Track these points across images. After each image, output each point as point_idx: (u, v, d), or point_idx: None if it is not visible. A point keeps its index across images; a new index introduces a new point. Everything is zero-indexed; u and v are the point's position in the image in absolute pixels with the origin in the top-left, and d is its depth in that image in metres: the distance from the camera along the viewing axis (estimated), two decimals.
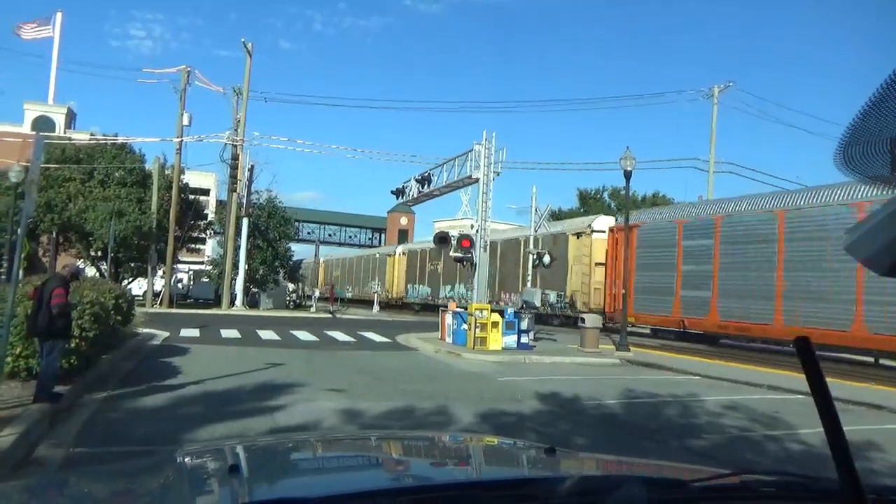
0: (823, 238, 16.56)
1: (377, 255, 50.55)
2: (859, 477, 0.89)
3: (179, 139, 35.00)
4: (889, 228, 0.70)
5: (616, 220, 24.50)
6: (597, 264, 26.40)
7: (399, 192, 25.62)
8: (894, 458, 7.21)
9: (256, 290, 37.85)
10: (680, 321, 21.35)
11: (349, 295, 38.28)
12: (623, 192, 21.94)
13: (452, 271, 34.24)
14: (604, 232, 26.30)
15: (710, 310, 20.12)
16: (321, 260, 49.27)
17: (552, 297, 27.56)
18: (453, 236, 20.33)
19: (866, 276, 14.57)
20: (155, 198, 34.43)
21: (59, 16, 46.45)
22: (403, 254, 45.26)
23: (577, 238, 27.69)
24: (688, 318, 21.01)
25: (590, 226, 27.60)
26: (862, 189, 16.10)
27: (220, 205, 41.57)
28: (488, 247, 20.13)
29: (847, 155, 0.71)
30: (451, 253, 20.56)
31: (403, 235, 68.75)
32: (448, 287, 37.23)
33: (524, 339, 17.81)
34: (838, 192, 16.45)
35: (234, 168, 34.17)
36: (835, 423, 0.90)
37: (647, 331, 23.82)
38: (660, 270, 22.25)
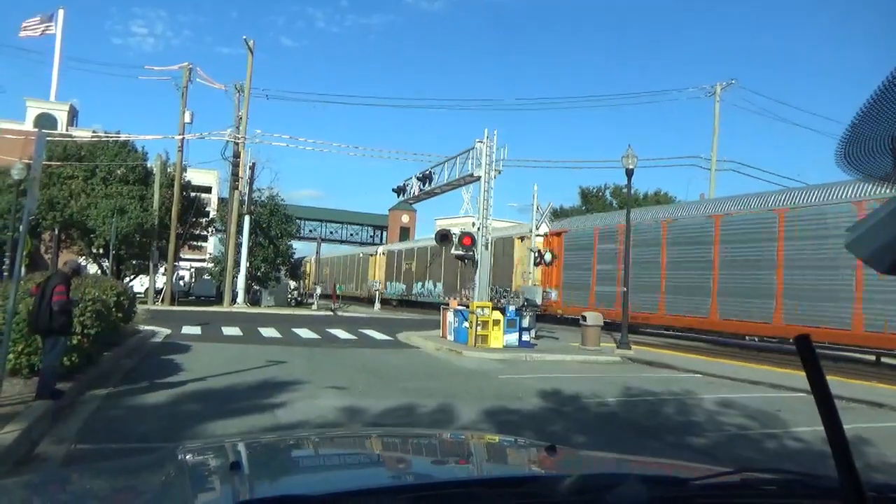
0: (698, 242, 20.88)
1: (361, 255, 54.09)
2: (859, 475, 0.90)
3: (181, 136, 35.02)
4: (889, 227, 0.70)
5: (549, 227, 26.61)
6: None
7: (400, 190, 25.64)
8: (894, 456, 7.21)
9: (258, 287, 37.90)
10: None
11: (319, 290, 40.21)
12: (625, 190, 22.00)
13: (423, 270, 40.22)
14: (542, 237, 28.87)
15: (617, 302, 22.08)
16: (312, 259, 51.10)
17: (501, 291, 30.98)
18: (455, 234, 20.33)
19: (784, 275, 17.81)
20: (157, 195, 34.45)
21: (61, 13, 46.49)
22: (383, 254, 48.91)
23: (521, 241, 30.46)
24: (602, 310, 23.30)
25: (530, 230, 29.91)
26: (774, 197, 19.45)
27: (222, 202, 41.57)
28: (489, 244, 20.12)
29: (848, 153, 0.71)
30: (453, 251, 20.55)
31: (405, 233, 68.76)
32: (419, 284, 40.93)
33: (525, 337, 17.82)
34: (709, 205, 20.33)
35: (235, 166, 34.19)
36: (835, 420, 0.90)
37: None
38: (581, 269, 26.02)
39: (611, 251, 24.22)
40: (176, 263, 37.63)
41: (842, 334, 16.06)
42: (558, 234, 26.13)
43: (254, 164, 35.53)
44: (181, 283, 44.07)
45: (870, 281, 15.11)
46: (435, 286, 38.72)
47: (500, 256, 30.21)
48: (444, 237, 20.89)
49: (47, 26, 44.39)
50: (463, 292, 33.96)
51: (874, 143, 0.69)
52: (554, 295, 27.99)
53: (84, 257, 34.30)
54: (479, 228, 19.52)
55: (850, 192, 16.04)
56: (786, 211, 18.06)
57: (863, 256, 0.74)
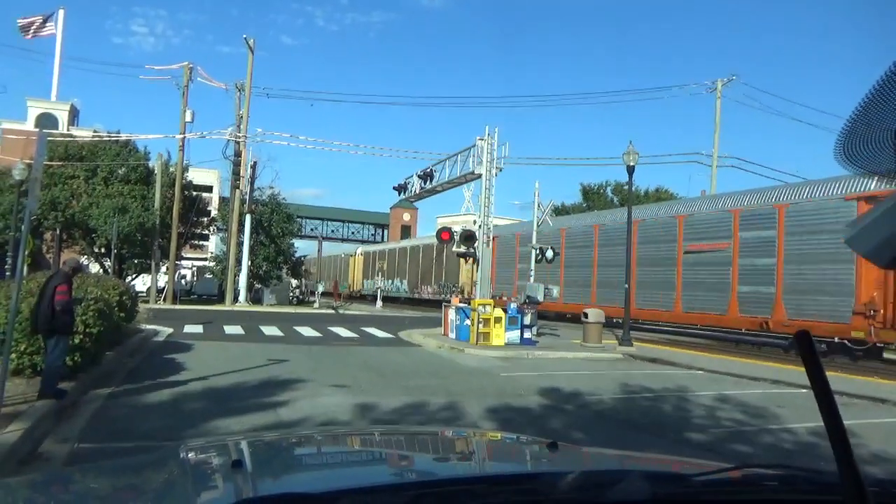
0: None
1: (342, 256, 59.04)
2: (859, 470, 0.90)
3: (182, 136, 35.03)
4: (889, 223, 0.70)
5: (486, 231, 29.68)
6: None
7: (401, 189, 25.61)
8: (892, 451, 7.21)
9: (260, 286, 37.93)
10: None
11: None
12: (626, 187, 22.02)
13: (392, 269, 46.14)
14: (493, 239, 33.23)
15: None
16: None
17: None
18: (456, 232, 20.32)
19: (683, 270, 21.23)
20: (158, 194, 34.46)
21: (61, 13, 46.51)
22: (361, 255, 53.37)
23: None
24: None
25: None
26: (681, 205, 22.52)
27: (223, 201, 41.58)
28: (490, 242, 20.12)
29: (847, 148, 0.71)
30: (454, 248, 20.56)
31: (406, 231, 68.75)
32: (389, 281, 45.81)
33: (527, 335, 17.82)
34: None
35: (236, 165, 34.19)
36: (834, 416, 0.90)
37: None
38: (509, 267, 30.15)
39: (527, 252, 26.18)
40: (178, 262, 37.65)
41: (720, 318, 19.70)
42: (493, 239, 28.24)
43: (255, 162, 35.55)
44: (183, 282, 44.10)
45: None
46: (402, 283, 45.12)
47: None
48: (444, 235, 20.88)
49: (47, 26, 44.35)
50: (423, 287, 41.64)
51: (874, 138, 0.69)
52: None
53: (86, 257, 34.34)
54: (480, 226, 19.51)
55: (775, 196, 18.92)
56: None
57: (862, 252, 0.74)
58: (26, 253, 8.83)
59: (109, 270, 31.71)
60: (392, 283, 45.60)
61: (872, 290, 15.23)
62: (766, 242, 18.37)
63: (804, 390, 10.16)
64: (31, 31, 43.47)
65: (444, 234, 21.50)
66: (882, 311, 15.02)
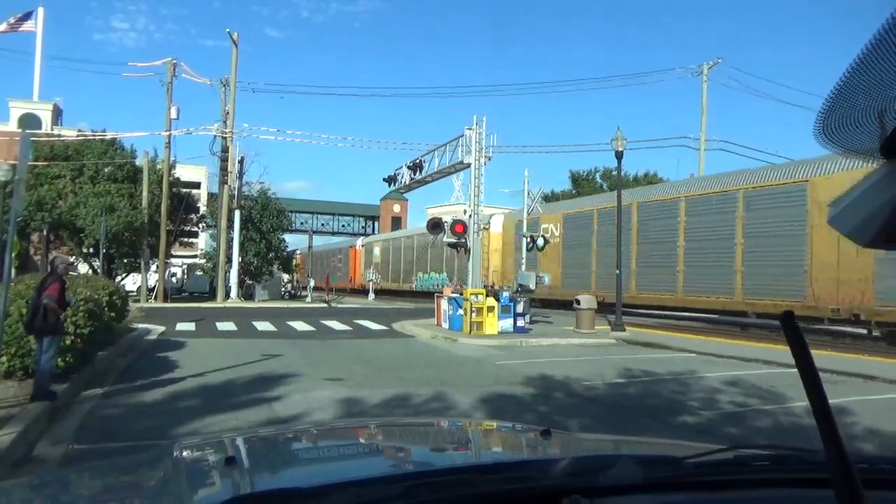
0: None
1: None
2: (845, 447, 0.90)
3: (168, 133, 34.74)
4: (870, 200, 0.70)
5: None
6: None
7: (391, 180, 25.54)
8: (887, 427, 7.30)
9: (251, 282, 37.80)
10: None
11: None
12: (615, 173, 22.05)
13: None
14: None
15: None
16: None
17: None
18: (446, 222, 20.30)
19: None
20: (146, 192, 34.20)
21: (41, 11, 45.84)
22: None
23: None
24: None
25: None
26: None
27: (212, 198, 41.34)
28: (481, 231, 20.11)
29: (827, 127, 0.70)
30: (445, 239, 20.52)
31: (397, 223, 68.68)
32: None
33: (520, 323, 17.88)
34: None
35: (224, 160, 33.97)
36: (820, 394, 0.91)
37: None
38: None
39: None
40: (167, 260, 37.44)
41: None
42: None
43: (242, 158, 35.34)
44: (174, 279, 43.86)
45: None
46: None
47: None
48: (435, 226, 20.86)
49: (25, 24, 43.72)
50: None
51: (857, 116, 0.68)
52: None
53: (74, 257, 34.07)
54: (470, 215, 19.50)
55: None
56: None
57: (845, 231, 0.74)
58: (13, 255, 8.75)
59: (98, 270, 31.51)
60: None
61: None
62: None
63: (795, 370, 10.25)
64: (9, 27, 42.84)
65: (458, 227, 19.76)
66: None
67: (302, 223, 67.28)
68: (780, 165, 20.79)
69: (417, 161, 23.78)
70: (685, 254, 21.27)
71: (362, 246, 52.33)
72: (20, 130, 30.54)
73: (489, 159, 19.80)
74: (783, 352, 12.95)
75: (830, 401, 0.92)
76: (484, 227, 33.16)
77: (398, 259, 45.63)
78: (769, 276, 18.19)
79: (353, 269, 52.60)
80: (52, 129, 43.23)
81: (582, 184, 52.60)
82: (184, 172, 41.25)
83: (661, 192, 23.83)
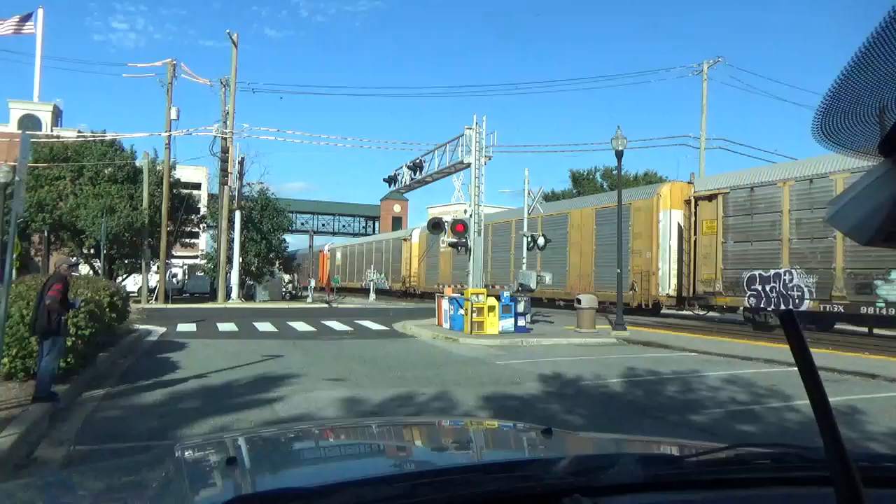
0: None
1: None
2: (844, 445, 0.91)
3: (168, 133, 34.76)
4: (868, 198, 0.71)
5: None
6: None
7: (391, 180, 25.52)
8: (888, 425, 7.29)
9: (252, 282, 37.80)
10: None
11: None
12: (615, 172, 22.05)
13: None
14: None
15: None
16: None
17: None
18: (446, 222, 20.28)
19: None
20: (146, 193, 34.21)
21: (40, 12, 45.88)
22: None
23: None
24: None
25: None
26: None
27: (213, 198, 41.35)
28: (482, 231, 20.11)
29: (825, 126, 0.71)
30: (446, 238, 20.50)
31: (397, 223, 68.75)
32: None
33: (521, 322, 17.87)
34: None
35: (224, 161, 33.99)
36: (819, 392, 0.91)
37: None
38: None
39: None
40: (168, 261, 37.46)
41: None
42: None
43: (242, 158, 35.37)
44: (174, 280, 43.86)
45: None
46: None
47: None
48: (436, 225, 20.84)
49: (25, 25, 43.72)
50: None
51: (855, 114, 0.68)
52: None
53: (75, 258, 34.08)
54: (471, 215, 19.49)
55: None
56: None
57: (844, 229, 0.74)
58: (15, 256, 8.76)
59: (99, 271, 31.52)
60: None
61: None
62: None
63: (795, 368, 10.26)
64: (10, 29, 42.83)
65: (459, 227, 19.61)
66: None
67: (302, 223, 67.33)
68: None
69: (418, 161, 23.76)
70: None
71: (329, 251, 58.69)
72: (20, 131, 30.54)
73: (489, 159, 19.80)
74: (783, 350, 12.95)
75: (831, 399, 0.93)
76: (405, 239, 45.00)
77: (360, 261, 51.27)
78: None
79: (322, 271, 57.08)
80: (51, 131, 43.28)
81: (582, 183, 52.61)
82: (184, 173, 41.27)
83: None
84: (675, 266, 22.99)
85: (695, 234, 20.96)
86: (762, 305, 18.08)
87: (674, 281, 23.05)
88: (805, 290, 17.06)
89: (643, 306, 23.76)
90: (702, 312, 22.55)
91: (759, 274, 18.27)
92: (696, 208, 20.91)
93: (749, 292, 18.56)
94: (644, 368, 11.69)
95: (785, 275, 17.58)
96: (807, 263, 17.13)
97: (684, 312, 23.86)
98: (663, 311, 24.59)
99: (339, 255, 57.24)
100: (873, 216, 0.69)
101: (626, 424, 7.35)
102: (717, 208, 19.90)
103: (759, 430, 7.10)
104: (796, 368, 0.93)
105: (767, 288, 18.03)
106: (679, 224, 22.92)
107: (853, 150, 0.73)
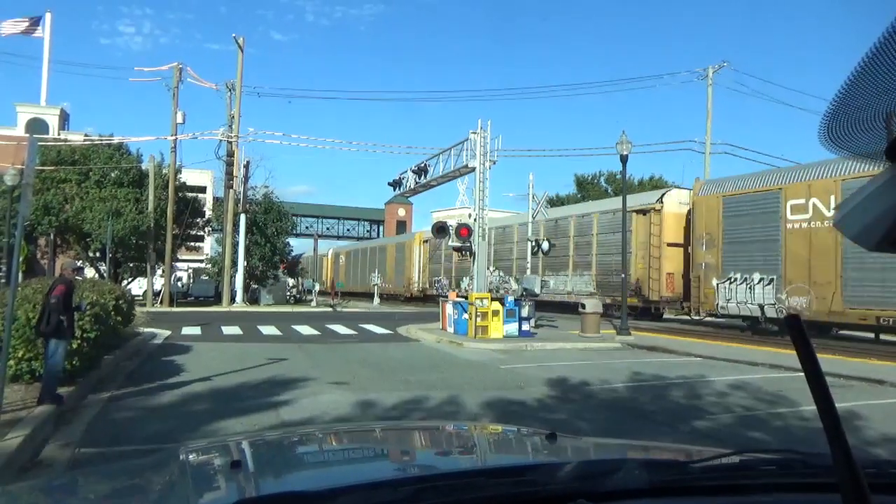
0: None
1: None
2: (851, 451, 0.90)
3: (174, 137, 34.87)
4: (876, 204, 0.70)
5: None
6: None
7: (396, 184, 25.53)
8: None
9: (256, 286, 37.85)
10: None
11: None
12: (620, 177, 22.02)
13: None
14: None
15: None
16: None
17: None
18: (451, 226, 20.28)
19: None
20: (151, 197, 34.32)
21: (48, 17, 46.08)
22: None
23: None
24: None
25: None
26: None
27: (218, 202, 41.46)
28: (486, 235, 20.10)
29: (832, 130, 0.70)
30: (450, 243, 20.50)
31: (402, 226, 68.72)
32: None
33: (525, 327, 17.85)
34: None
35: (229, 165, 34.07)
36: (826, 397, 0.91)
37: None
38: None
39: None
40: (173, 265, 37.53)
41: None
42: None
43: (248, 162, 35.42)
44: (179, 284, 43.90)
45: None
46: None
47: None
48: (440, 230, 20.84)
49: (33, 29, 43.94)
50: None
51: (862, 119, 0.68)
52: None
53: (81, 261, 34.19)
54: (475, 219, 19.49)
55: None
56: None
57: (851, 234, 0.74)
58: (21, 259, 8.79)
59: (105, 275, 31.59)
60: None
61: None
62: None
63: (801, 373, 10.21)
64: (21, 28, 43.04)
65: (463, 231, 19.52)
66: None
67: (307, 227, 67.44)
68: None
69: (422, 165, 23.77)
70: None
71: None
72: (27, 135, 30.74)
73: (494, 163, 19.79)
74: (789, 355, 12.92)
75: (838, 405, 0.92)
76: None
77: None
78: None
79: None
80: (59, 134, 43.44)
81: (587, 187, 52.55)
82: (190, 177, 41.39)
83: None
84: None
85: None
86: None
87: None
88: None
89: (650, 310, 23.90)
90: (703, 317, 22.55)
91: None
92: None
93: None
94: (648, 373, 11.65)
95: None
96: None
97: (682, 317, 23.95)
98: (664, 315, 24.75)
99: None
100: (880, 221, 0.69)
101: (630, 429, 7.33)
102: None
103: (765, 436, 7.06)
104: (802, 373, 0.92)
105: None
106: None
107: (860, 154, 0.73)
